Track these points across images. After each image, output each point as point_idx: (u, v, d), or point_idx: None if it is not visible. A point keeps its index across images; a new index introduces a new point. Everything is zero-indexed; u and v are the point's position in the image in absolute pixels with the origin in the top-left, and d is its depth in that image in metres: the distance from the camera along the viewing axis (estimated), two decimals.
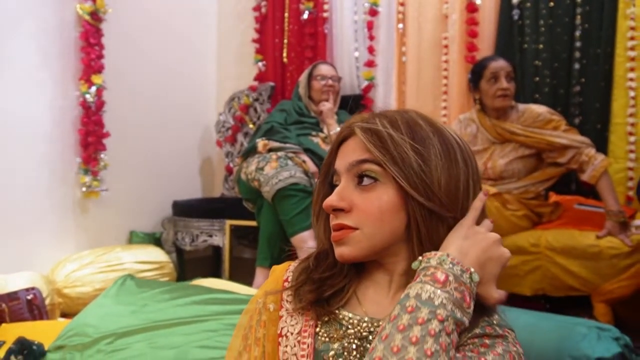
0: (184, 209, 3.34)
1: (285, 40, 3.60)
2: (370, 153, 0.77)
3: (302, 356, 0.79)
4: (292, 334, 0.82)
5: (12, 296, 2.29)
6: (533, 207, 2.51)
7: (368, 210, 0.77)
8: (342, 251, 0.78)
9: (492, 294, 0.75)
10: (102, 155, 3.02)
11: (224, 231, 3.17)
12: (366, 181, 0.77)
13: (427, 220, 0.75)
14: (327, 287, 0.81)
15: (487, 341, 0.74)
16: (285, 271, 0.89)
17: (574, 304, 2.45)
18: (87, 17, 2.94)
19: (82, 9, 2.94)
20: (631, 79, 2.66)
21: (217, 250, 3.40)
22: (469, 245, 0.74)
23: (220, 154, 3.75)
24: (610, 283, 2.29)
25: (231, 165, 3.56)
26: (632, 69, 2.66)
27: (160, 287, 2.03)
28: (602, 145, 2.67)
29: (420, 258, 0.73)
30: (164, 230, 3.42)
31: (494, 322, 0.77)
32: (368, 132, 0.77)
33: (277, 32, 3.62)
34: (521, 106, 2.59)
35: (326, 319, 0.81)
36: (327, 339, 0.80)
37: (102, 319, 1.85)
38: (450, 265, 0.71)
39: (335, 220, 0.79)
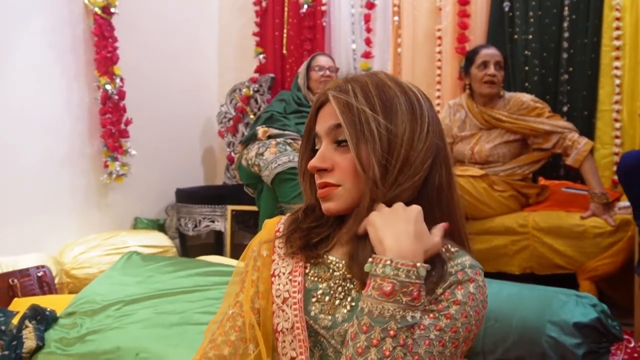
0: (187, 196, 3.45)
1: (285, 33, 3.70)
2: None
3: (294, 292, 0.88)
4: (284, 273, 0.92)
5: (23, 272, 2.40)
6: (519, 188, 2.61)
7: (347, 169, 0.86)
8: (328, 206, 0.88)
9: (437, 243, 0.82)
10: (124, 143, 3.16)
11: (226, 216, 3.28)
12: (344, 142, 0.86)
13: (371, 185, 0.83)
14: (314, 235, 0.91)
15: (459, 296, 0.81)
16: (277, 223, 0.99)
17: (560, 281, 2.55)
18: (99, 11, 3.06)
19: (91, 2, 3.06)
20: (617, 68, 2.77)
21: (219, 236, 3.51)
22: (401, 236, 0.78)
23: (221, 144, 3.86)
24: (594, 261, 2.39)
25: (232, 154, 3.66)
26: (617, 58, 2.77)
27: (164, 261, 2.14)
28: (589, 131, 2.78)
29: (370, 260, 0.79)
30: (167, 216, 3.53)
31: (467, 264, 0.84)
32: (339, 100, 0.86)
33: (277, 25, 3.72)
34: (508, 94, 2.70)
35: (314, 261, 0.91)
36: (315, 279, 0.90)
37: (110, 288, 1.97)
38: (395, 272, 0.75)
39: (319, 179, 0.88)
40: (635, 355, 2.05)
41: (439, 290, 0.81)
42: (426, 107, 0.88)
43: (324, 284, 0.89)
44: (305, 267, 0.91)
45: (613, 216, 2.40)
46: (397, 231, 0.78)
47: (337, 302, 0.87)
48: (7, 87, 2.76)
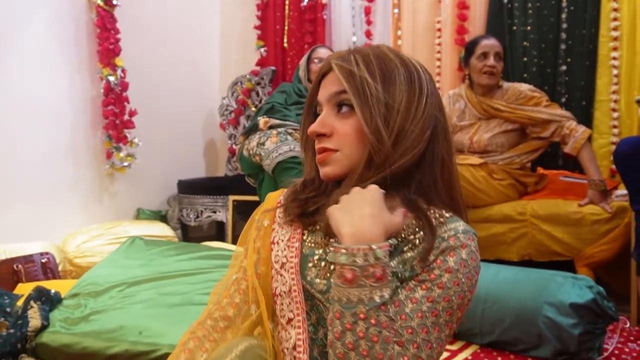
0: (189, 187, 3.48)
1: (286, 27, 3.73)
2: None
3: (291, 257, 0.91)
4: (282, 240, 0.94)
5: (27, 259, 2.43)
6: (518, 176, 2.64)
7: (346, 134, 0.88)
8: (326, 171, 0.90)
9: (397, 223, 0.83)
10: (128, 133, 3.20)
11: (227, 207, 3.31)
12: (344, 109, 0.89)
13: (376, 147, 0.86)
14: (311, 203, 0.94)
15: (451, 263, 0.82)
16: (279, 196, 1.02)
17: (558, 269, 2.57)
18: (101, 3, 3.09)
19: None
20: (614, 58, 2.79)
21: (220, 227, 3.53)
22: (355, 220, 0.79)
23: (223, 136, 3.90)
24: (591, 247, 2.41)
25: (234, 147, 3.69)
26: (615, 49, 2.79)
27: (167, 245, 2.18)
28: (587, 121, 2.80)
29: (331, 249, 0.81)
30: (169, 207, 3.56)
31: (460, 229, 0.86)
32: (341, 68, 0.89)
33: (278, 18, 3.76)
34: (506, 84, 2.73)
35: (311, 229, 0.94)
36: (312, 245, 0.92)
37: (114, 271, 2.00)
38: (352, 259, 0.77)
39: (319, 144, 0.91)
40: (632, 338, 2.07)
41: (431, 257, 0.83)
42: (425, 79, 0.90)
43: (320, 250, 0.91)
44: (303, 234, 0.94)
45: (610, 203, 2.42)
46: (352, 216, 0.80)
47: (333, 267, 0.88)
48: (11, 79, 2.80)
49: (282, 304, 0.91)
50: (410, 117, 0.86)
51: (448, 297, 0.81)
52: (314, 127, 0.90)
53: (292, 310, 0.88)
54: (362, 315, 0.76)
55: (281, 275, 0.91)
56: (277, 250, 0.94)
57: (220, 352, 0.87)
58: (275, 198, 1.03)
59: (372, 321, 0.76)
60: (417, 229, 0.87)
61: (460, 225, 0.86)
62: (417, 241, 0.86)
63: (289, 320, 0.89)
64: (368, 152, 0.86)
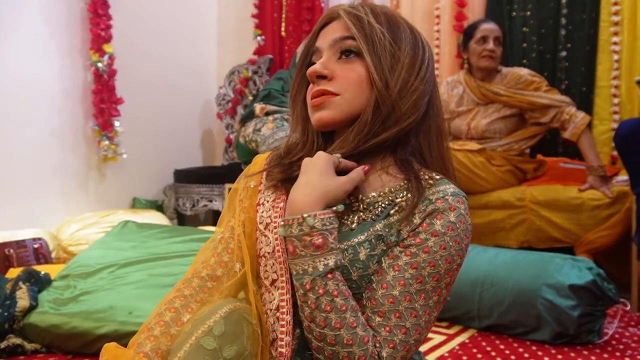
0: (185, 176, 3.45)
1: (284, 15, 3.70)
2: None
3: (276, 217, 0.89)
4: (268, 202, 0.92)
5: (20, 244, 2.40)
6: (517, 163, 2.60)
7: (349, 78, 0.85)
8: (321, 115, 0.86)
9: (342, 185, 0.82)
10: (115, 123, 3.14)
11: (224, 196, 3.27)
12: (348, 55, 0.86)
13: (384, 94, 0.84)
14: (296, 168, 0.90)
15: (438, 226, 0.79)
16: (266, 159, 0.99)
17: None
18: None
19: None
20: (615, 43, 2.75)
21: (217, 217, 3.50)
22: (293, 191, 0.81)
23: (220, 126, 3.86)
24: (592, 233, 2.37)
25: (231, 137, 3.66)
26: (616, 34, 2.75)
27: (160, 228, 2.14)
28: (587, 107, 2.76)
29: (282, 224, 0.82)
30: (166, 197, 3.53)
31: (449, 192, 0.83)
32: (350, 14, 0.87)
33: (276, 7, 3.72)
34: (505, 69, 2.69)
35: None
36: None
37: (105, 253, 1.97)
38: (289, 230, 0.78)
39: (317, 87, 0.87)
40: (633, 323, 2.04)
41: (418, 220, 0.81)
42: (428, 47, 0.90)
43: None
44: (288, 196, 0.91)
45: (611, 188, 2.38)
46: (294, 190, 0.81)
47: None
48: (2, 62, 2.76)
49: (266, 266, 0.88)
50: (415, 74, 0.85)
51: (434, 262, 0.79)
52: (315, 68, 0.87)
53: (276, 271, 0.86)
54: (308, 286, 0.76)
55: (265, 236, 0.89)
56: (263, 212, 0.92)
57: (204, 313, 0.84)
58: (262, 161, 1.01)
59: (320, 291, 0.76)
60: (405, 192, 0.85)
61: (450, 188, 0.84)
62: (404, 204, 0.84)
63: (273, 282, 0.87)
64: (374, 102, 0.84)
